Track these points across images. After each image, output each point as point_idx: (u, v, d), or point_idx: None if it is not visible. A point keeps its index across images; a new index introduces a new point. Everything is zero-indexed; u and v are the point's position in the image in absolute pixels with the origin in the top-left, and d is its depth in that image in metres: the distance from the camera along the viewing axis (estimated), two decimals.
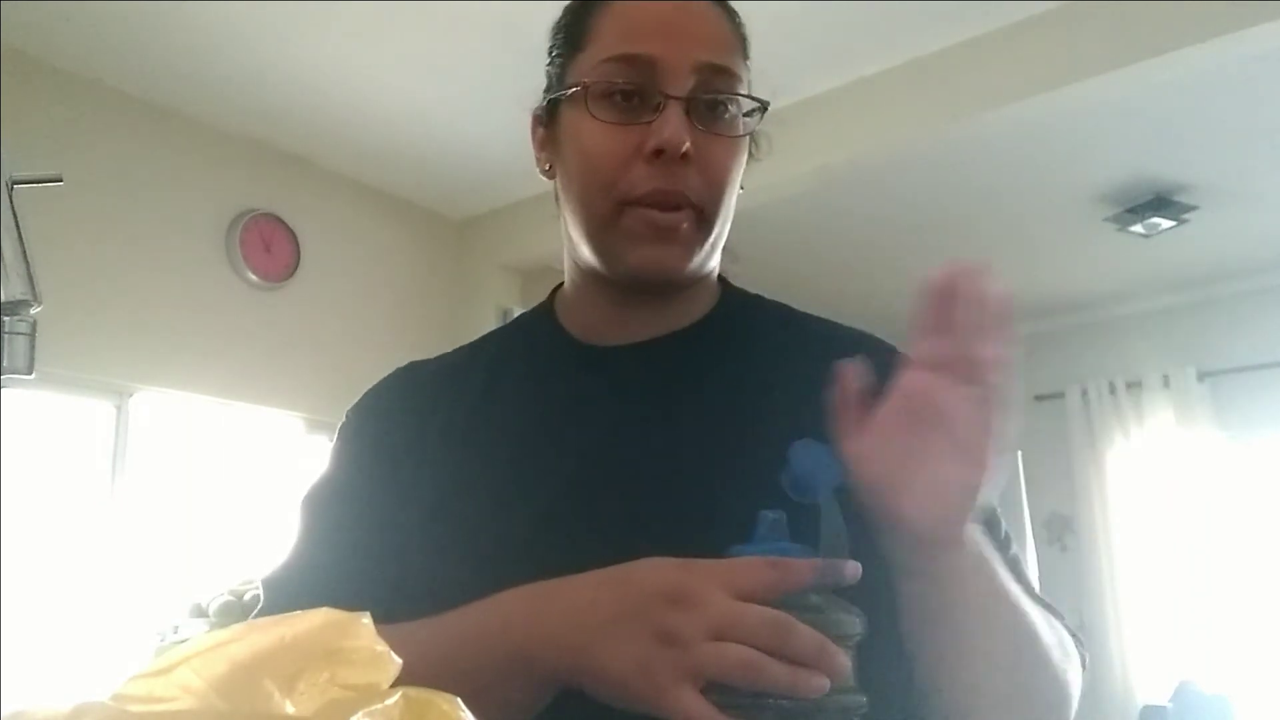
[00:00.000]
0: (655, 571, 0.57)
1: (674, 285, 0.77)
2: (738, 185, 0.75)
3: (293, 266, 3.47)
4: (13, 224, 0.79)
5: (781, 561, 0.53)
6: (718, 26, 0.74)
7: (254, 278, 3.33)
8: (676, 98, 0.70)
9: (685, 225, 0.72)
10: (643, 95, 0.71)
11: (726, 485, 0.70)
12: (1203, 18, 2.48)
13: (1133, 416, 4.90)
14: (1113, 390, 4.97)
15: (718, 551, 0.59)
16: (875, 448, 0.60)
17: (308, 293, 3.51)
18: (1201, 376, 4.72)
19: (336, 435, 0.83)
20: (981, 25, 2.81)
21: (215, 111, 3.23)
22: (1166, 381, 4.81)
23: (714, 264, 0.80)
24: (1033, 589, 0.74)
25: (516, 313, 3.85)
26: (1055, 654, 0.69)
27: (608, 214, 0.72)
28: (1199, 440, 4.66)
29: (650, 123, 0.70)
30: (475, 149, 3.44)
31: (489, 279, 3.96)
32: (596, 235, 0.75)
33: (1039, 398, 5.21)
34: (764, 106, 0.75)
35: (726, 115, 0.73)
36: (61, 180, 0.87)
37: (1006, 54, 2.81)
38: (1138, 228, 3.87)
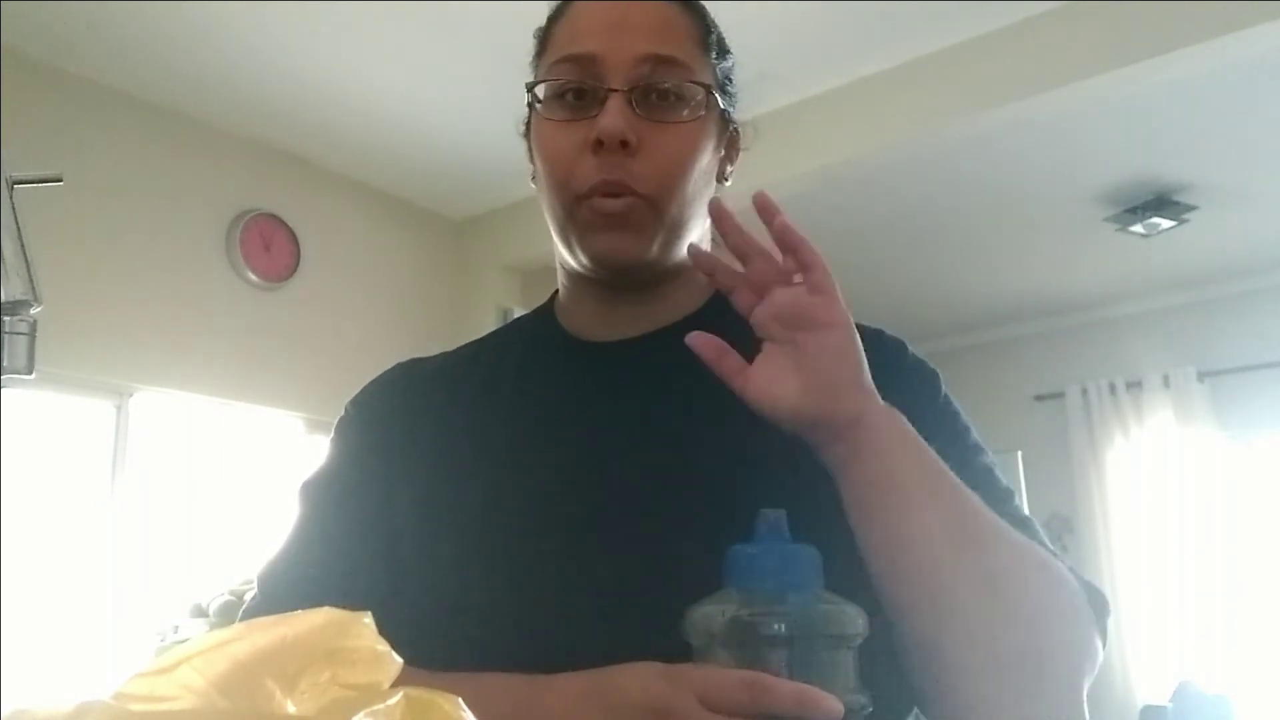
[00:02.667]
0: (638, 685, 0.56)
1: (638, 273, 0.77)
2: (696, 173, 0.76)
3: (293, 266, 3.47)
4: (13, 224, 0.79)
5: (759, 684, 0.51)
6: (663, 17, 0.76)
7: (254, 278, 3.33)
8: (617, 90, 0.72)
9: (634, 211, 0.73)
10: (589, 92, 0.73)
11: (714, 477, 0.70)
12: (1203, 18, 2.48)
13: (1133, 416, 4.90)
14: (1113, 390, 4.97)
15: (706, 544, 0.59)
16: (762, 377, 0.66)
17: (308, 293, 3.51)
18: (1201, 376, 4.72)
19: (335, 428, 0.84)
20: (981, 25, 2.81)
21: (215, 111, 3.23)
22: (1166, 381, 4.81)
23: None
24: (1028, 528, 0.71)
25: (517, 313, 3.84)
26: (1039, 555, 0.66)
27: (566, 209, 0.75)
28: (1199, 440, 4.67)
29: (595, 117, 0.72)
30: (475, 149, 3.44)
31: (489, 279, 3.96)
32: (561, 231, 0.77)
33: (1039, 398, 5.21)
34: (709, 88, 0.76)
35: (675, 103, 0.74)
36: (61, 180, 0.87)
37: (1006, 54, 2.81)
38: (1138, 228, 3.87)
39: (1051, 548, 0.72)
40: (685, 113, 0.74)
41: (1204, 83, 2.92)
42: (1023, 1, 2.71)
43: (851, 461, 0.64)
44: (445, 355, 0.88)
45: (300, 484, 0.81)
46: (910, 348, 0.80)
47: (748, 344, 0.80)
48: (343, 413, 0.84)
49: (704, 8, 0.81)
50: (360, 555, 0.74)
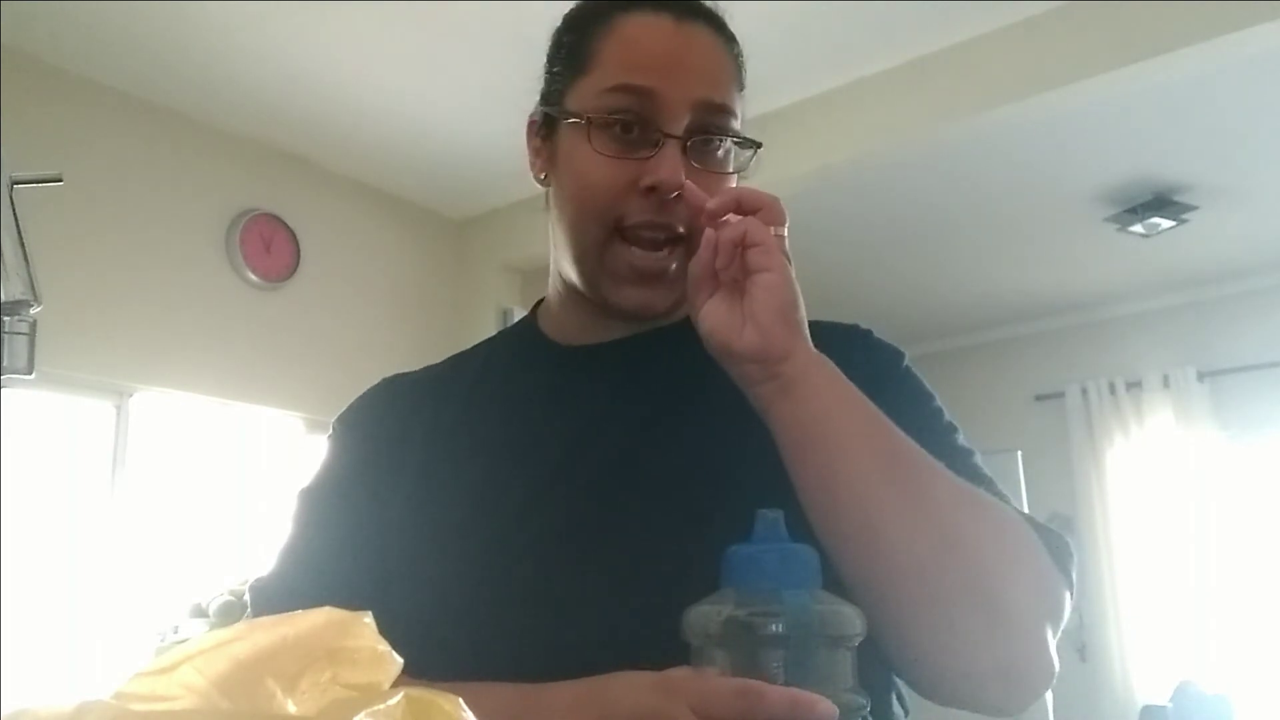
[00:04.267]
0: (631, 696, 0.56)
1: (660, 319, 0.78)
2: None
3: (293, 266, 3.46)
4: (13, 224, 0.79)
5: (752, 692, 0.51)
6: (717, 59, 0.76)
7: (254, 278, 3.33)
8: (674, 136, 0.72)
9: (673, 266, 0.74)
10: (642, 129, 0.72)
11: (697, 472, 0.71)
12: (1203, 18, 2.48)
13: (1133, 416, 4.90)
14: (1113, 390, 4.97)
15: (690, 538, 0.59)
16: (713, 313, 0.67)
17: (308, 293, 3.51)
18: (1201, 376, 4.72)
19: (325, 445, 0.85)
20: (981, 25, 2.81)
21: (215, 111, 3.23)
22: (1166, 381, 4.81)
23: None
24: (987, 484, 0.71)
25: (517, 312, 3.82)
26: (982, 497, 0.67)
27: (599, 241, 0.74)
28: (1199, 440, 4.66)
29: (648, 158, 0.72)
30: (475, 149, 3.44)
31: (489, 279, 3.96)
32: (584, 264, 0.76)
33: (1039, 398, 5.21)
34: (757, 146, 0.77)
35: (720, 151, 0.75)
36: (61, 180, 0.87)
37: (1006, 54, 2.81)
38: (1138, 228, 3.87)
39: (1010, 500, 0.72)
40: (732, 166, 0.76)
41: (1204, 83, 2.92)
42: (1023, 1, 2.71)
43: (782, 398, 0.65)
44: (429, 368, 0.89)
45: (290, 502, 0.82)
46: (875, 333, 0.83)
47: None
48: (330, 430, 0.85)
49: (736, 38, 0.80)
50: (350, 568, 0.75)
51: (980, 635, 0.63)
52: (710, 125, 0.74)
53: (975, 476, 0.70)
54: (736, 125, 0.76)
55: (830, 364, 0.67)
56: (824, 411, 0.65)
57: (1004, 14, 2.76)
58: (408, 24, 2.78)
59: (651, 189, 0.71)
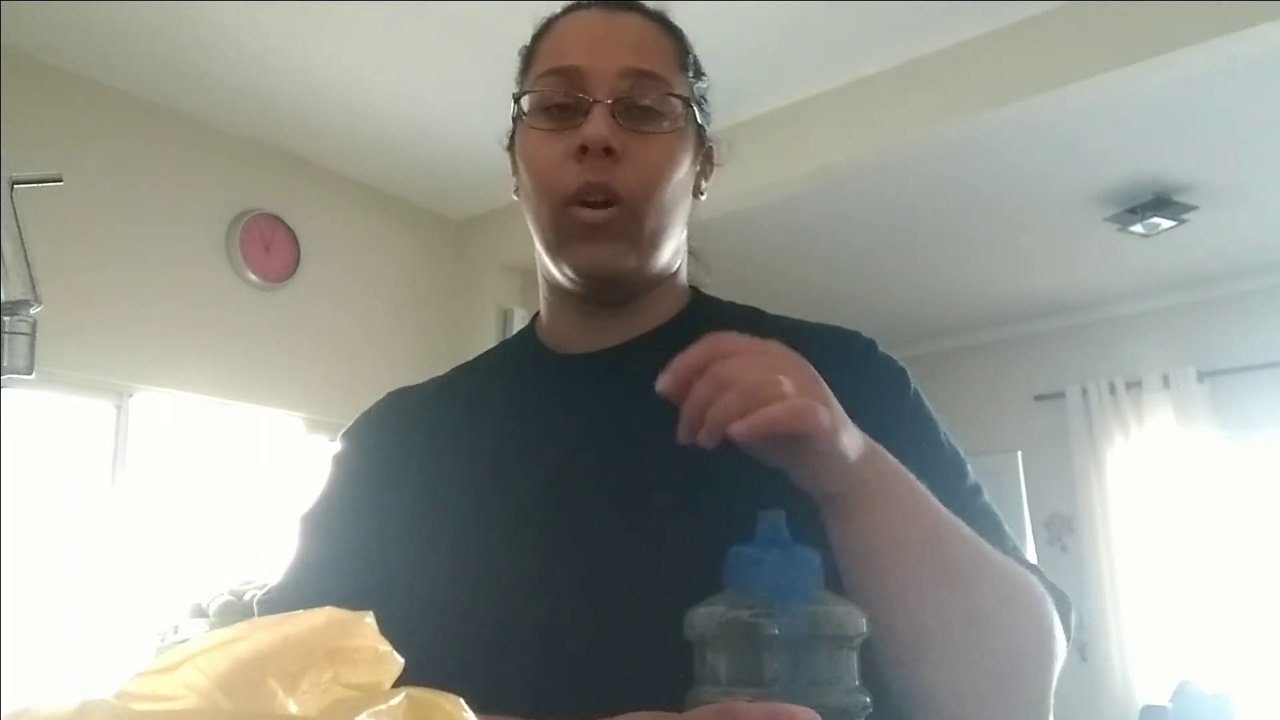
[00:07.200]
0: None
1: (621, 283, 0.79)
2: (675, 183, 0.78)
3: (293, 266, 3.47)
4: (13, 224, 0.79)
5: (728, 713, 0.50)
6: (645, 36, 0.79)
7: (254, 278, 3.33)
8: (601, 101, 0.75)
9: (616, 221, 0.75)
10: (573, 103, 0.76)
11: (692, 480, 0.71)
12: (1203, 18, 2.48)
13: (1133, 416, 4.90)
14: (1113, 390, 4.97)
15: (685, 546, 0.59)
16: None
17: (308, 293, 3.51)
18: (1201, 376, 4.72)
19: (330, 460, 0.86)
20: (981, 25, 2.81)
21: (215, 111, 3.23)
22: (1166, 381, 4.81)
23: (666, 264, 0.82)
24: (1006, 543, 0.73)
25: (517, 312, 3.77)
26: (1015, 580, 0.69)
27: (550, 217, 0.77)
28: (1199, 440, 4.67)
29: (580, 126, 0.75)
30: (475, 149, 3.44)
31: (489, 279, 3.96)
32: (545, 241, 0.79)
33: (1039, 398, 5.21)
34: (687, 101, 0.79)
35: (655, 115, 0.77)
36: (61, 180, 0.87)
37: (1006, 54, 2.81)
38: (1138, 228, 3.87)
39: (1017, 545, 0.74)
40: (665, 124, 0.77)
41: (1204, 83, 2.92)
42: (1023, 1, 2.71)
43: (838, 521, 0.64)
44: (434, 380, 0.90)
45: (299, 515, 0.83)
46: (880, 347, 0.83)
47: None
48: (337, 445, 0.86)
49: (682, 31, 0.84)
50: (354, 585, 0.75)
51: (1000, 706, 0.66)
52: (639, 90, 0.76)
53: (985, 523, 0.71)
54: (673, 92, 0.77)
55: (884, 470, 0.64)
56: (881, 531, 0.63)
57: (1004, 14, 2.76)
58: (408, 24, 2.78)
59: (582, 149, 0.74)
